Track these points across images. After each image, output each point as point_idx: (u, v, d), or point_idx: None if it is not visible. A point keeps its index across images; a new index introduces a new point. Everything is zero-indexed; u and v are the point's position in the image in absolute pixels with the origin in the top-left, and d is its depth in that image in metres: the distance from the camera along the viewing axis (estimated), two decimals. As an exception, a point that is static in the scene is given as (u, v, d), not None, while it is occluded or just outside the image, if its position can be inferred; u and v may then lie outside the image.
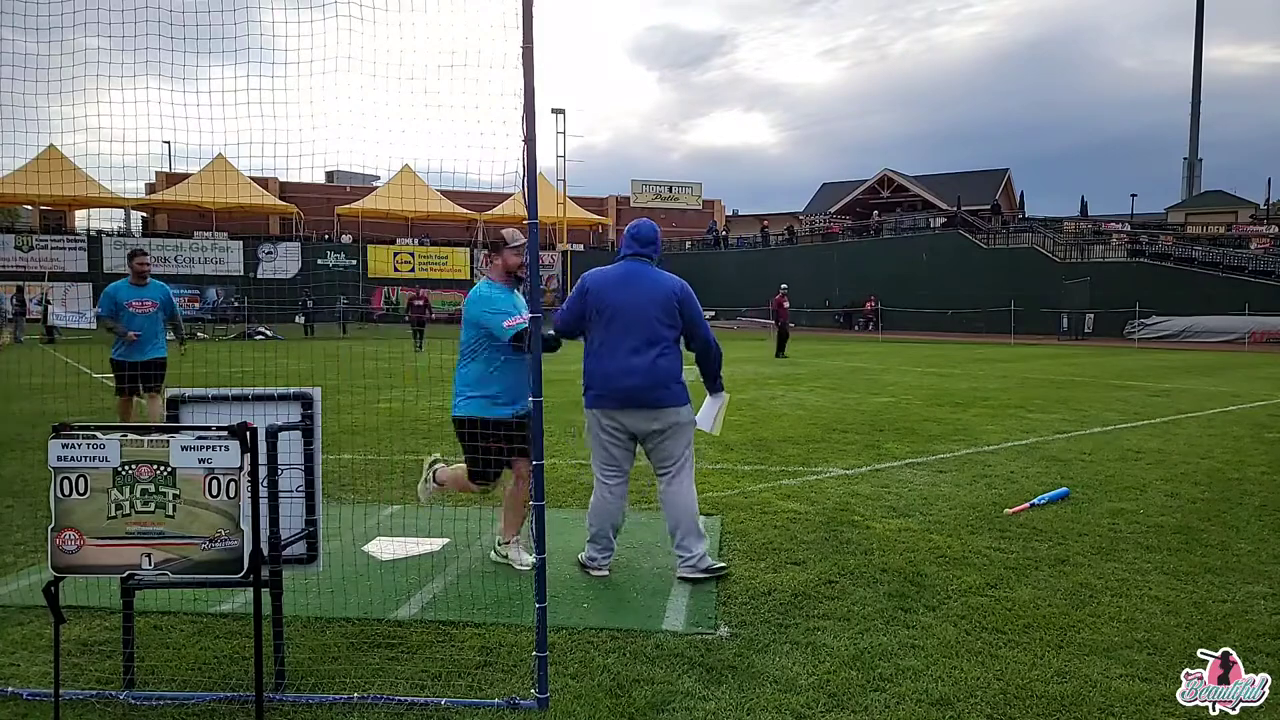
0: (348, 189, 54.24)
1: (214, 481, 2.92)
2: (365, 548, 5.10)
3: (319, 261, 46.15)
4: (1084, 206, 56.20)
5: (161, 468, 2.92)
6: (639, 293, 4.55)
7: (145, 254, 8.21)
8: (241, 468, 2.93)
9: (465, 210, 46.87)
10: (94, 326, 30.12)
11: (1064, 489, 6.51)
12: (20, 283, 31.92)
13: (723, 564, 4.75)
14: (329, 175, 54.09)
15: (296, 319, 35.90)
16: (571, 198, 54.29)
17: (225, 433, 2.94)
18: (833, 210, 58.93)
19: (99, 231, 46.76)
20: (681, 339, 4.67)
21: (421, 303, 28.89)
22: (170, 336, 8.30)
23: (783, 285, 25.25)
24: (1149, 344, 30.95)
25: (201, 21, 3.54)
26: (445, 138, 3.56)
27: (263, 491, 3.12)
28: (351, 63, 3.48)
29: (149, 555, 2.94)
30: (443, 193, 43.33)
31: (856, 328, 43.88)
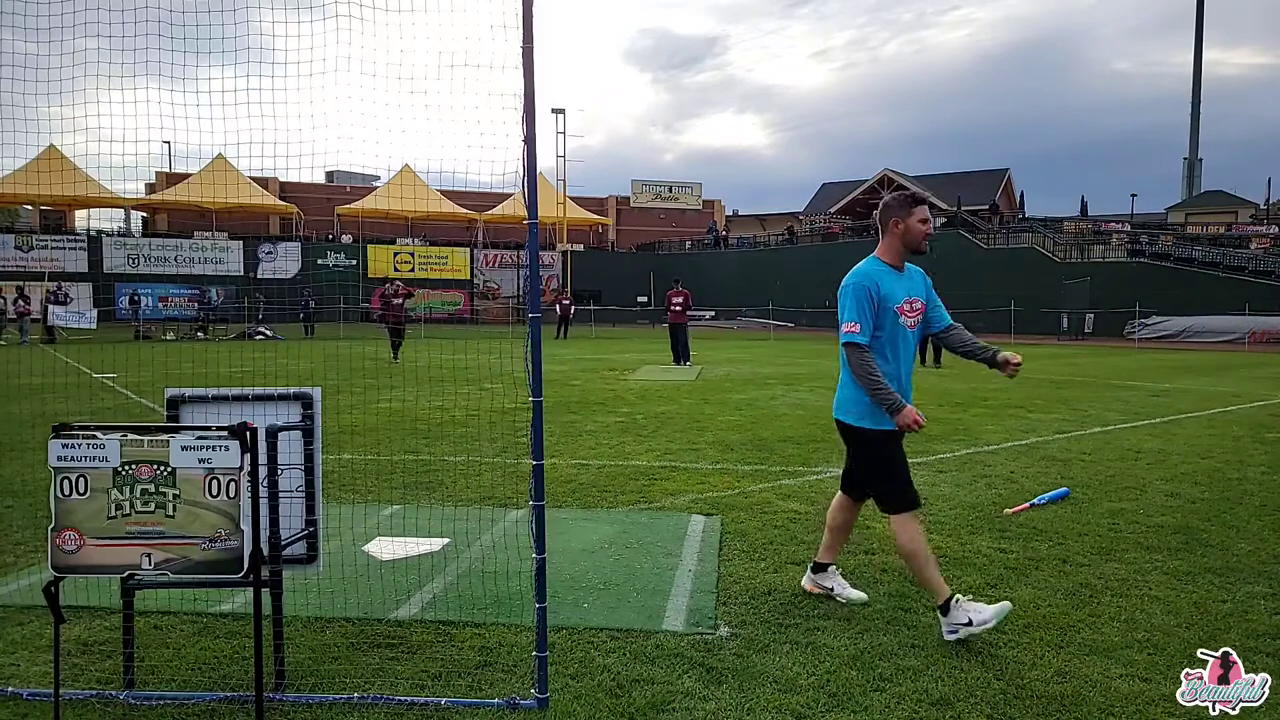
0: (348, 189, 54.29)
1: (214, 481, 2.92)
2: (365, 548, 5.10)
3: (319, 261, 46.16)
4: (1084, 206, 56.27)
5: (161, 468, 2.92)
6: None
7: (925, 203, 4.16)
8: (241, 468, 2.93)
9: (465, 210, 46.90)
10: (94, 326, 30.06)
11: (1064, 489, 6.51)
12: (20, 282, 31.84)
13: None
14: (329, 175, 54.16)
15: (299, 322, 35.58)
16: (571, 198, 54.34)
17: (225, 433, 2.94)
18: (832, 210, 58.95)
19: (99, 231, 46.80)
20: None
21: (400, 300, 22.55)
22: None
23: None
24: (1149, 344, 30.95)
25: (200, 23, 3.54)
26: (445, 138, 3.56)
27: (263, 491, 3.12)
28: (351, 63, 3.48)
29: (149, 555, 2.94)
30: (443, 193, 43.37)
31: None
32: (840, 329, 3.88)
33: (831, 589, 4.32)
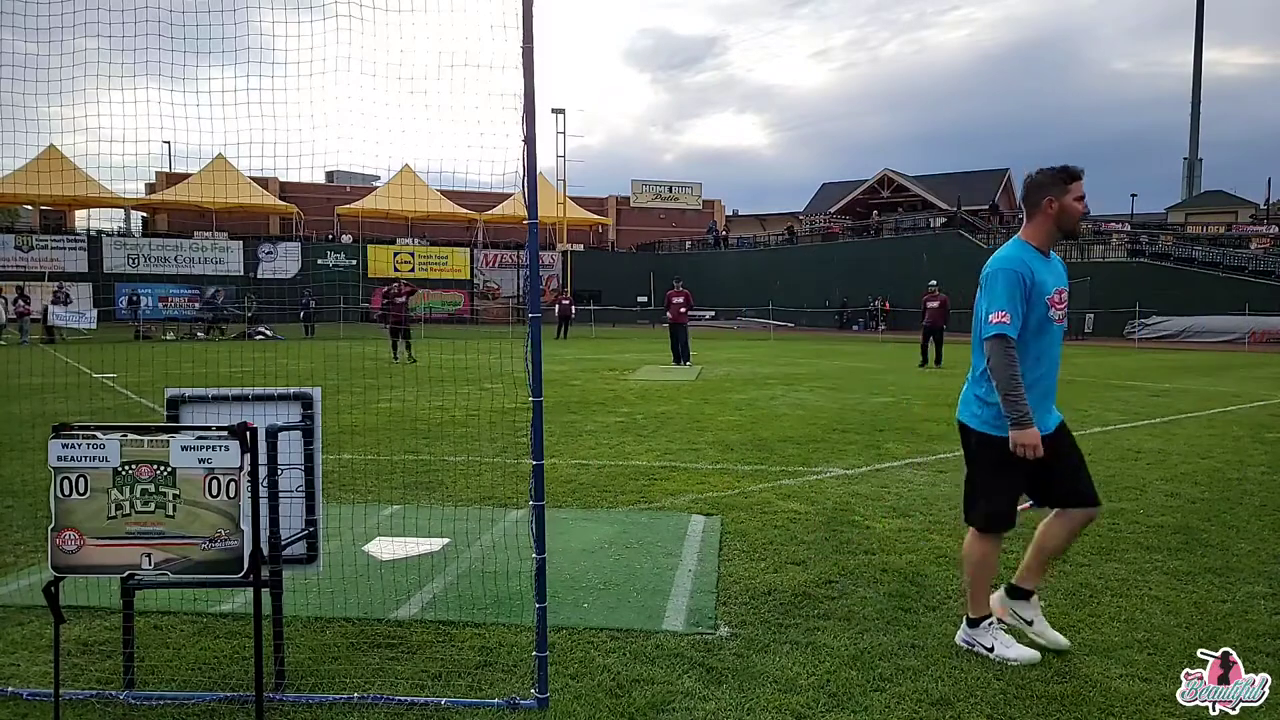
0: (348, 189, 54.27)
1: (214, 481, 2.92)
2: (365, 548, 5.10)
3: (319, 261, 46.16)
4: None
5: (161, 468, 2.92)
6: None
7: (1081, 176, 3.56)
8: (241, 468, 2.93)
9: (465, 210, 46.91)
10: (94, 326, 30.05)
11: (1064, 489, 6.50)
12: (20, 283, 31.81)
13: None
14: (329, 175, 54.13)
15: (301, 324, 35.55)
16: (571, 198, 54.35)
17: (225, 433, 2.94)
18: (832, 210, 58.98)
19: (99, 231, 46.79)
20: None
21: (404, 298, 22.21)
22: None
23: (931, 283, 21.13)
24: (1149, 344, 30.94)
25: (200, 23, 3.54)
26: (445, 138, 3.57)
27: (263, 491, 3.12)
28: (351, 63, 3.48)
29: (149, 555, 2.94)
30: (443, 193, 43.36)
31: (855, 328, 43.91)
32: (985, 318, 3.42)
33: (1030, 622, 3.71)
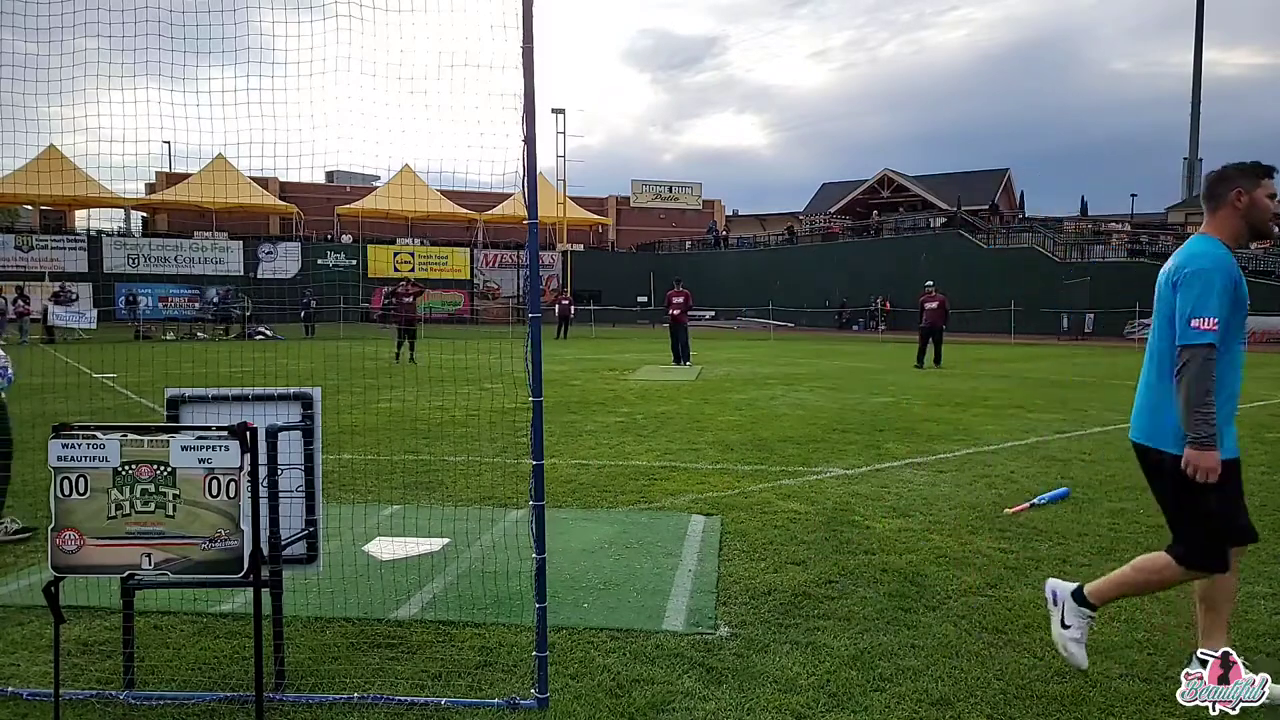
0: (348, 189, 54.27)
1: (214, 481, 2.92)
2: (365, 548, 5.10)
3: (319, 261, 46.17)
4: (1084, 206, 56.32)
5: (161, 468, 2.92)
6: None
7: (1274, 172, 3.27)
8: (241, 468, 2.93)
9: (465, 210, 46.91)
10: (93, 326, 30.04)
11: (1064, 489, 6.51)
12: (20, 282, 31.77)
13: None
14: (329, 175, 54.13)
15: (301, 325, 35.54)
16: (571, 198, 54.35)
17: (225, 433, 2.94)
18: (832, 210, 58.97)
19: (99, 231, 46.79)
20: None
21: (411, 298, 22.14)
22: None
23: (928, 284, 21.04)
24: (1149, 344, 30.88)
25: (200, 23, 3.54)
26: (445, 138, 3.57)
27: (263, 491, 3.12)
28: (351, 63, 3.48)
29: (149, 555, 2.94)
30: (443, 193, 43.37)
31: (855, 328, 43.91)
32: (1188, 322, 2.98)
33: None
